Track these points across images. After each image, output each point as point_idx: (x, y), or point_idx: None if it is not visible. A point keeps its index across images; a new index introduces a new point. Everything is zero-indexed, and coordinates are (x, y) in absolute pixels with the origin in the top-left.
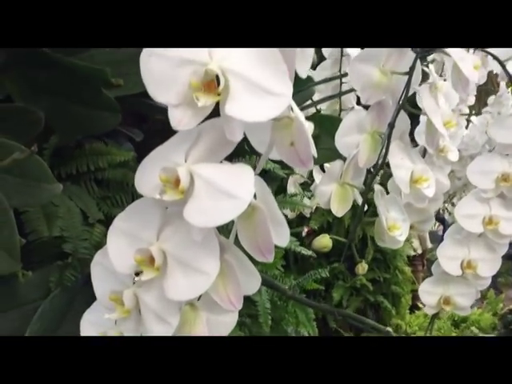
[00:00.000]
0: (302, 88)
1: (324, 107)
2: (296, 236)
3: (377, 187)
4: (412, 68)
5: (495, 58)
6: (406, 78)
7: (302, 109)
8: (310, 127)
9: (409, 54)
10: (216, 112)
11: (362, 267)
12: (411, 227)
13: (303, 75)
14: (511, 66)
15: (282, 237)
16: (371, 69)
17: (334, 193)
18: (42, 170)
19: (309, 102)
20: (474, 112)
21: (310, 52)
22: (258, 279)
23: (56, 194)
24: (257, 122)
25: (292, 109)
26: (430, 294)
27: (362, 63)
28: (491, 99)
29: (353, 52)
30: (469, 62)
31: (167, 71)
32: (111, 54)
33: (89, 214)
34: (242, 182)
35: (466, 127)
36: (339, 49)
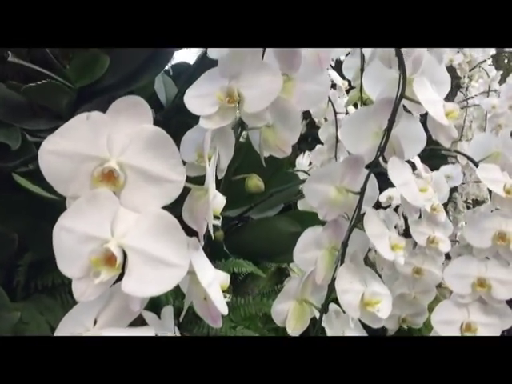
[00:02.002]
0: (286, 186)
1: None
2: None
3: (332, 307)
4: (363, 189)
5: None
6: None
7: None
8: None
9: (364, 173)
10: None
11: None
12: (403, 320)
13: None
14: None
15: None
16: (327, 187)
17: (291, 310)
18: (1, 299)
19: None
20: None
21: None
22: None
23: (14, 322)
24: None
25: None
26: None
27: (317, 182)
28: None
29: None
30: (439, 107)
31: (74, 246)
32: None
33: None
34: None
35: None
36: (334, 134)
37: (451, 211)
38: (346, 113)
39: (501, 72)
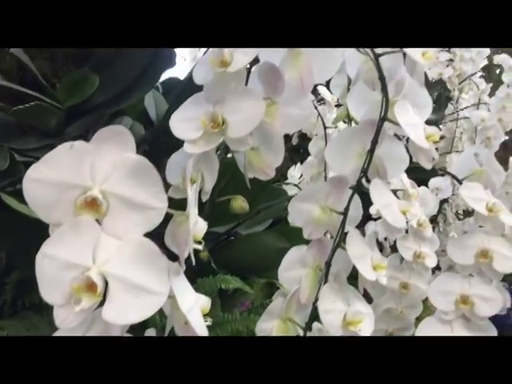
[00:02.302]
0: (274, 202)
1: None
2: None
3: (315, 325)
4: (347, 209)
5: None
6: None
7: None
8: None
9: (348, 193)
10: None
11: None
12: (390, 334)
13: None
14: None
15: None
16: (312, 206)
17: (275, 329)
18: None
19: None
20: None
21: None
22: None
23: None
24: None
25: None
26: None
27: (301, 202)
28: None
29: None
30: (419, 130)
31: (55, 273)
32: None
33: None
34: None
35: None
36: (323, 148)
37: (441, 223)
38: (336, 126)
39: (491, 85)
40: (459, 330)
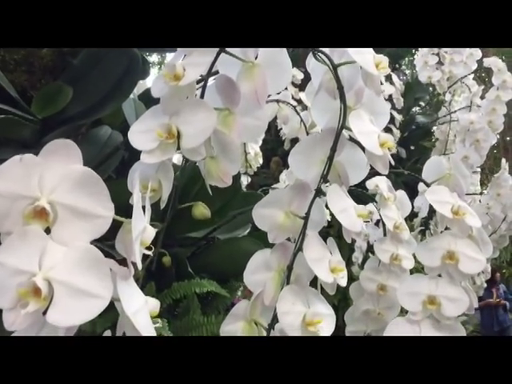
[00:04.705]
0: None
1: None
2: None
3: (278, 326)
4: (307, 213)
5: None
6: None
7: None
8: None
9: (309, 197)
10: None
11: None
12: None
13: None
14: None
15: None
16: (275, 211)
17: (240, 331)
18: None
19: None
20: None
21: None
22: None
23: None
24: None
25: None
26: None
27: (265, 207)
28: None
29: None
30: (373, 138)
31: (4, 279)
32: None
33: None
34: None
35: None
36: None
37: (432, 225)
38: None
39: (482, 87)
40: (427, 331)
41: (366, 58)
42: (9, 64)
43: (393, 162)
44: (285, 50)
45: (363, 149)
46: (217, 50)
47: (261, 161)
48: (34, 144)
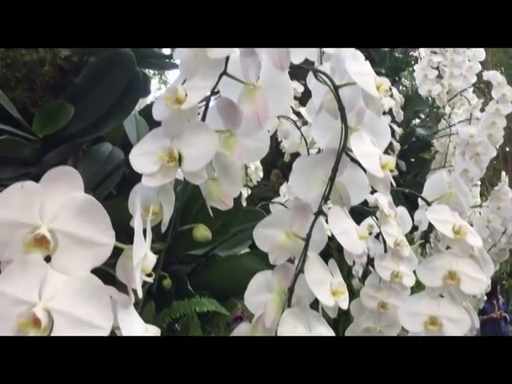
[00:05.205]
0: (249, 224)
1: None
2: None
3: None
4: (309, 235)
5: None
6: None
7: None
8: None
9: (310, 218)
10: None
11: None
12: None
13: None
14: None
15: None
16: (277, 232)
17: None
18: None
19: None
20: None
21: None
22: None
23: None
24: None
25: None
26: None
27: (266, 228)
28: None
29: None
30: (375, 160)
31: (4, 309)
32: None
33: None
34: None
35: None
36: None
37: (432, 238)
38: (319, 149)
39: (482, 100)
40: None
41: (367, 79)
42: (10, 81)
43: (394, 184)
44: (286, 71)
45: (364, 169)
46: (219, 72)
47: (261, 174)
48: (34, 162)
